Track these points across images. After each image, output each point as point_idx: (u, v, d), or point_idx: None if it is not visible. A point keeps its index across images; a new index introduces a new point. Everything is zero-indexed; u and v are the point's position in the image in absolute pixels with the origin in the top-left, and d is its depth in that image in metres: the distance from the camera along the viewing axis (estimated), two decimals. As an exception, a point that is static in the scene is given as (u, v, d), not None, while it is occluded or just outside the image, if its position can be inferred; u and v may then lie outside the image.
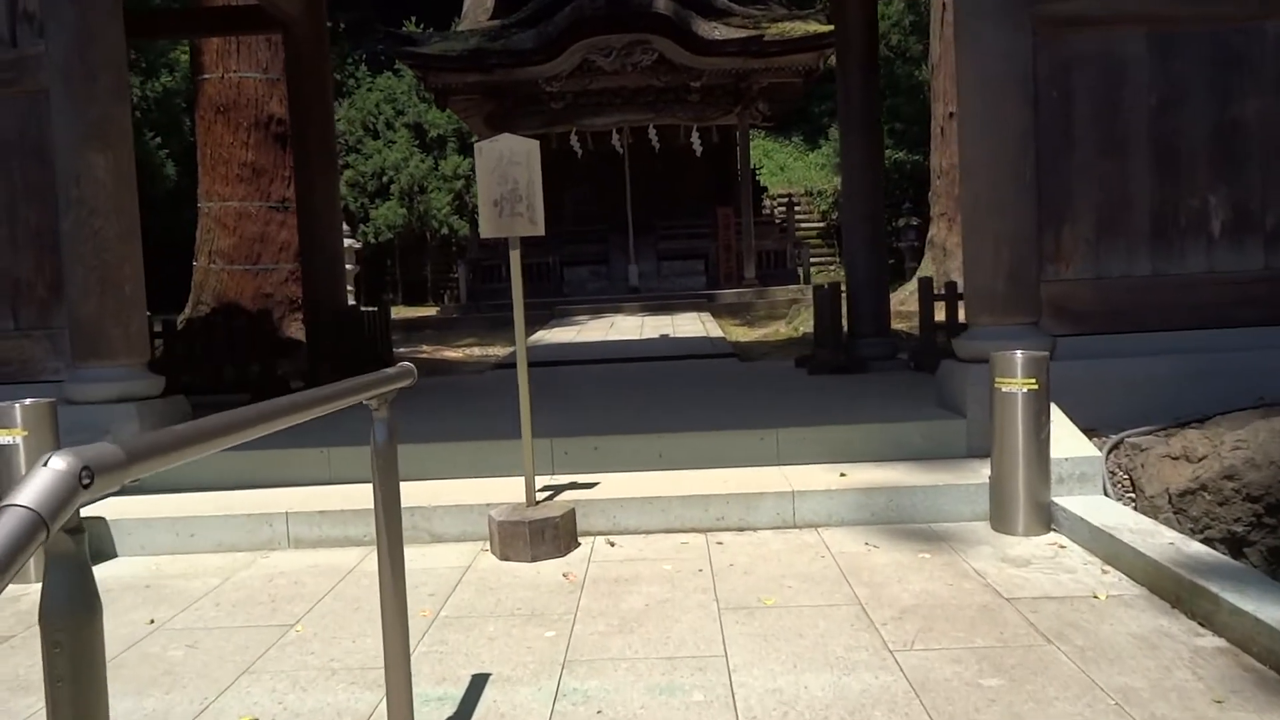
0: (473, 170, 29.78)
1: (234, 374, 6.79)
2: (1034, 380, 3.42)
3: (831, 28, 15.99)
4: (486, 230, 3.58)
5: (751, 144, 19.64)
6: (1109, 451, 3.87)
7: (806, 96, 21.57)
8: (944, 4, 13.88)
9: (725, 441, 4.16)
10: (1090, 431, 4.03)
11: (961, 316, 6.72)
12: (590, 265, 18.36)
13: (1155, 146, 4.22)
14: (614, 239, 18.36)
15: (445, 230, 28.87)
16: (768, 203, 26.65)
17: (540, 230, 3.62)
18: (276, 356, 10.49)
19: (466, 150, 29.78)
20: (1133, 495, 3.60)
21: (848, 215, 7.19)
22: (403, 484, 4.03)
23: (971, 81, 4.17)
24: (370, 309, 7.55)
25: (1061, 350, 4.18)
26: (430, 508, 3.74)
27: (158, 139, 26.92)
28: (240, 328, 6.80)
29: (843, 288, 7.45)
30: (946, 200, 13.98)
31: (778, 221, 19.63)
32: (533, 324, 14.80)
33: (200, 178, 10.78)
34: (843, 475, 3.89)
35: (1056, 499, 3.53)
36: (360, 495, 3.97)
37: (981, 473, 3.83)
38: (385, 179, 28.83)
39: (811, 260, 19.44)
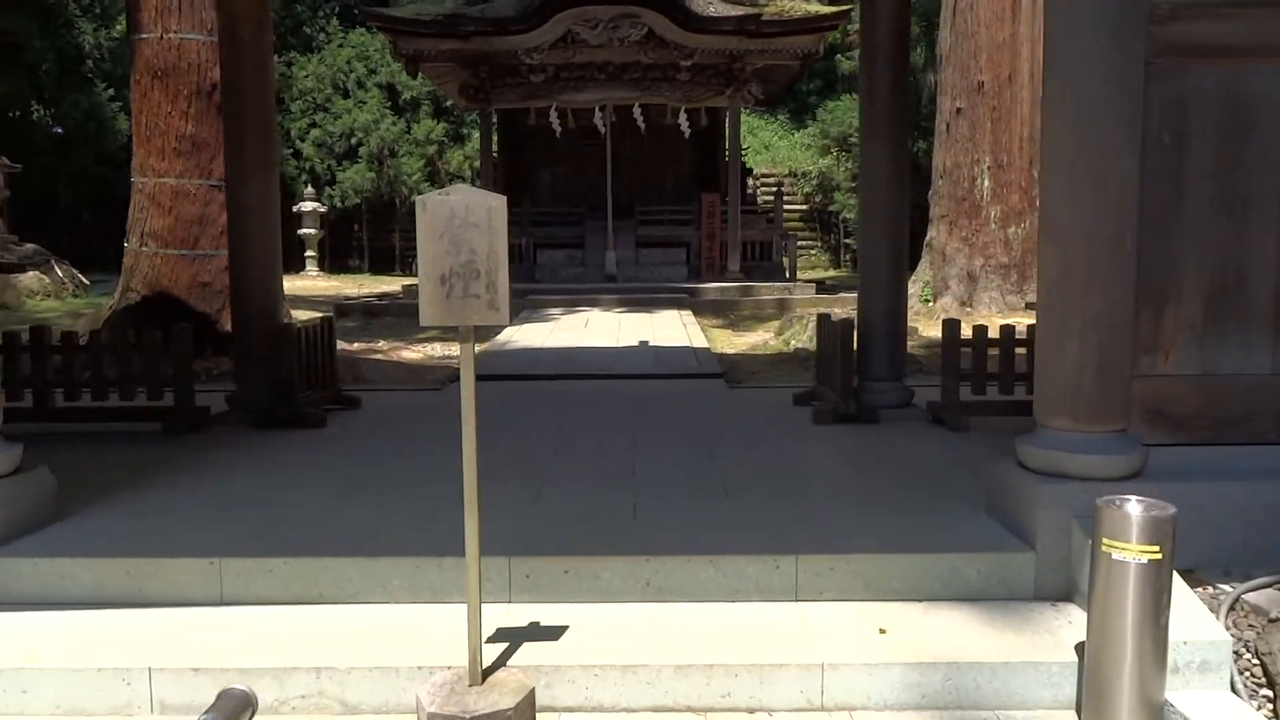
0: (447, 135, 28.73)
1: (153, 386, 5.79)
2: (1156, 548, 2.55)
3: (835, 9, 15.02)
4: (428, 317, 2.64)
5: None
6: (1226, 611, 3.02)
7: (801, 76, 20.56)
8: (957, -10, 12.94)
9: (731, 569, 3.26)
10: (1189, 574, 3.18)
11: (990, 361, 5.91)
12: (566, 249, 17.35)
13: (1287, 211, 3.34)
14: (592, 223, 17.35)
15: (415, 197, 27.63)
16: (751, 183, 25.70)
17: (504, 319, 2.69)
18: (218, 355, 9.49)
19: (441, 114, 28.48)
20: (1269, 693, 2.75)
21: (865, 236, 6.28)
22: (314, 619, 3.11)
23: (1064, 120, 3.26)
24: (313, 322, 6.56)
25: (1155, 464, 3.32)
26: (344, 669, 2.82)
27: (110, 90, 25.41)
28: (153, 345, 5.79)
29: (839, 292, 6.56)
30: (949, 202, 13.12)
31: (765, 212, 18.68)
32: (502, 314, 13.78)
33: (135, 149, 9.66)
34: (882, 632, 3.01)
35: (1170, 695, 2.68)
36: (260, 636, 3.04)
37: (1061, 635, 2.97)
38: (354, 140, 27.48)
39: (798, 250, 18.54)
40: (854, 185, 27.81)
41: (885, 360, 6.13)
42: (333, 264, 28.13)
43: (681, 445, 5.22)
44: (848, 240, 28.15)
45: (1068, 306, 3.30)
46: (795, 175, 29.32)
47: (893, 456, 4.93)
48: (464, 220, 2.47)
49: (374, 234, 29.27)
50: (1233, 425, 3.38)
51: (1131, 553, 2.56)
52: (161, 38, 9.21)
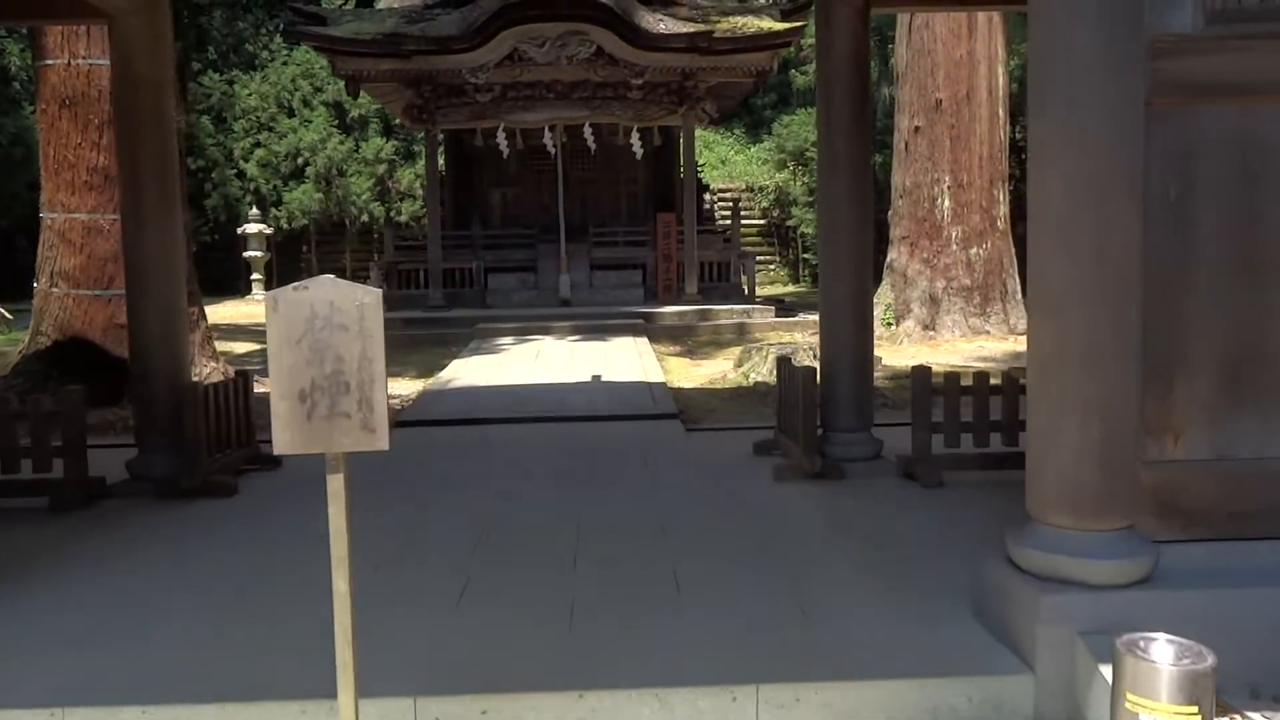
0: (398, 153, 28.07)
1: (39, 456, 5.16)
2: (1193, 710, 2.08)
3: (788, 25, 14.65)
4: (284, 443, 2.12)
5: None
6: (1259, 751, 2.57)
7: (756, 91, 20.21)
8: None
9: (680, 705, 2.75)
10: (1212, 695, 2.72)
11: (963, 410, 5.46)
12: (518, 273, 16.79)
13: (1313, 274, 2.91)
14: (544, 245, 16.82)
15: (366, 217, 26.93)
16: (708, 199, 25.34)
17: (382, 442, 2.18)
18: (121, 401, 8.82)
19: (391, 132, 27.79)
20: None
21: (828, 278, 5.83)
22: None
23: (1056, 171, 2.81)
24: (225, 379, 5.97)
25: (1169, 565, 2.87)
26: None
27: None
28: (39, 414, 5.17)
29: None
30: (909, 222, 12.78)
31: (721, 231, 18.28)
32: (451, 344, 13.24)
33: (43, 183, 8.96)
34: (862, 790, 2.51)
35: None
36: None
37: (1071, 787, 2.50)
38: (301, 160, 26.71)
39: (756, 265, 18.13)
40: (811, 200, 27.59)
41: (851, 410, 5.67)
42: (281, 287, 27.31)
43: (631, 519, 4.70)
44: (806, 255, 27.88)
45: (1064, 387, 2.84)
46: (752, 190, 29.03)
47: (864, 528, 4.45)
48: (327, 321, 1.96)
49: (323, 256, 28.47)
50: (1256, 517, 2.94)
51: (1163, 714, 2.09)
52: (69, 64, 8.54)
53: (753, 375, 9.50)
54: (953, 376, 5.37)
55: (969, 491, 5.05)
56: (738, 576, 3.78)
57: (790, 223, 27.95)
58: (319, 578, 3.82)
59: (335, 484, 2.25)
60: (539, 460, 6.21)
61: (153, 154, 5.49)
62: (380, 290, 2.02)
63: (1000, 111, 12.67)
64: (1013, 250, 12.92)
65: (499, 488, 5.42)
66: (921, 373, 5.34)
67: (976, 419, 5.34)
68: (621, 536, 4.38)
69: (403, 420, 7.93)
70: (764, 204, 28.92)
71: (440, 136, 16.96)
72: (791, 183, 28.17)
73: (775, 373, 9.48)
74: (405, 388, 10.29)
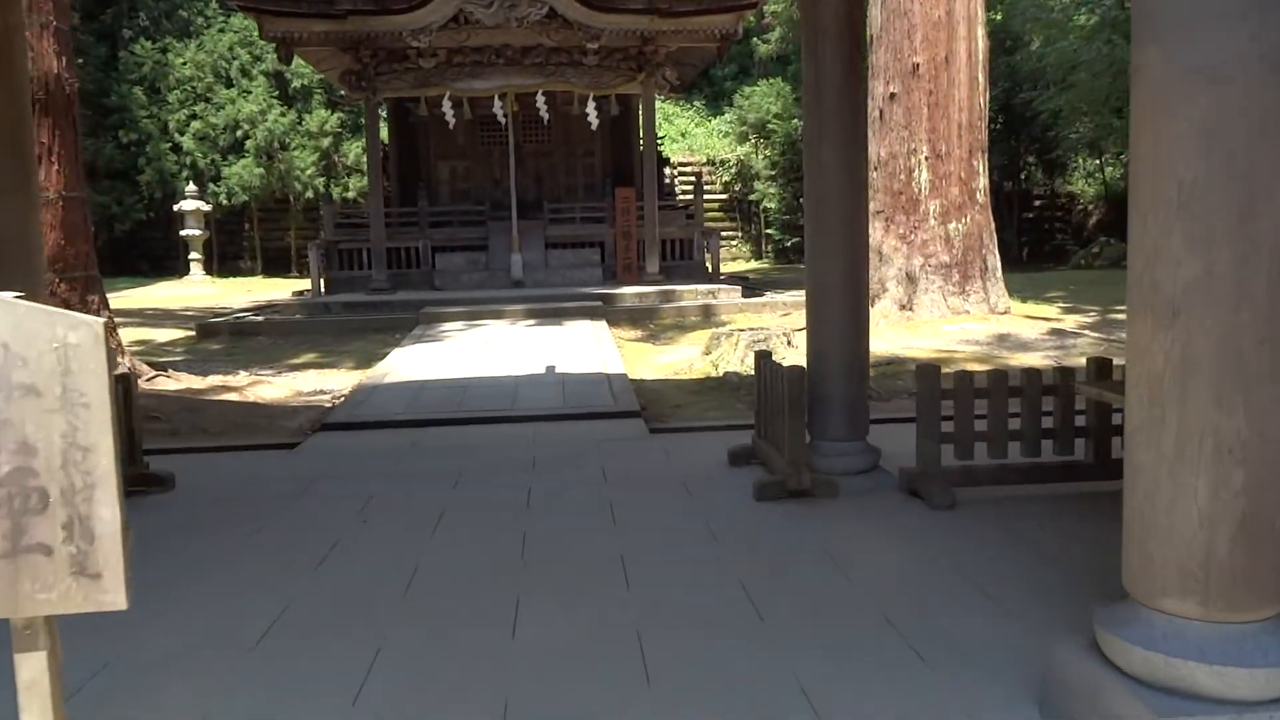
0: (343, 126, 26.73)
1: None
2: None
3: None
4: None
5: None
6: None
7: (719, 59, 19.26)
8: (887, -38, 11.78)
9: None
10: None
11: (975, 416, 4.64)
12: (467, 252, 15.78)
13: None
14: (495, 222, 15.82)
15: (310, 193, 25.62)
16: (669, 173, 24.42)
17: (115, 598, 1.32)
18: None
19: (336, 104, 26.45)
20: None
21: (815, 260, 4.98)
22: None
23: (1184, 125, 1.97)
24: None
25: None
26: None
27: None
28: None
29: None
30: (885, 196, 11.99)
31: (684, 206, 17.38)
32: (395, 330, 12.26)
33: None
34: None
35: None
36: None
37: None
38: (240, 133, 25.30)
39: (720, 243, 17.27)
40: (774, 174, 26.76)
41: (844, 415, 4.85)
42: (221, 266, 26.02)
43: (587, 562, 3.83)
44: (769, 231, 27.12)
45: (1187, 421, 2.02)
46: (713, 164, 28.15)
47: (872, 571, 3.62)
48: (4, 379, 1.06)
49: (266, 233, 27.18)
50: None
51: None
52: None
53: (722, 365, 8.67)
54: (964, 376, 4.56)
55: (988, 515, 4.25)
56: (723, 652, 2.93)
57: (753, 197, 27.15)
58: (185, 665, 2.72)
59: (32, 669, 1.34)
60: (481, 475, 5.32)
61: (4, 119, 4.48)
62: (103, 320, 1.20)
63: (980, 76, 11.89)
64: (993, 225, 12.20)
65: (428, 516, 4.53)
66: (928, 372, 4.51)
67: (993, 426, 4.54)
68: (574, 592, 3.51)
69: (328, 423, 6.99)
70: (725, 178, 28.06)
71: (382, 106, 15.85)
72: (754, 156, 27.34)
73: (746, 362, 8.69)
74: (339, 381, 9.33)
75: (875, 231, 12.29)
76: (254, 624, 3.19)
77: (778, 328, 9.85)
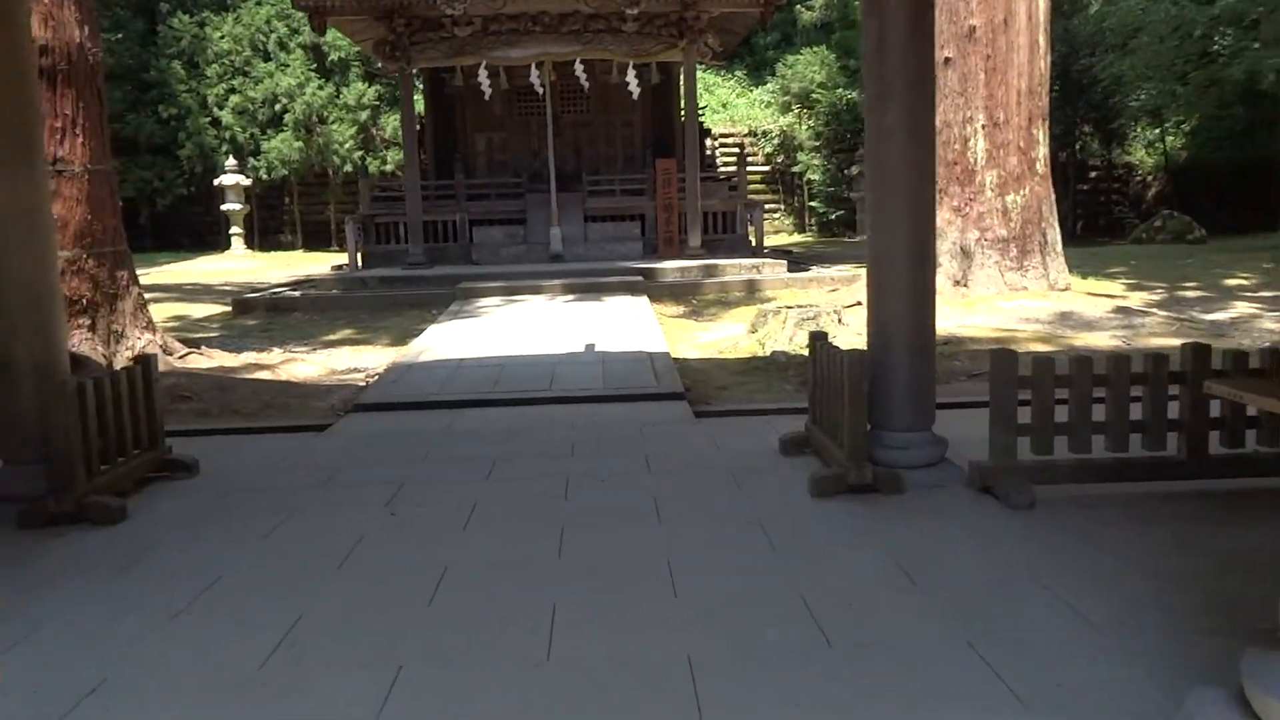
0: (381, 99, 26.46)
1: None
2: None
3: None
4: None
5: (697, 84, 16.68)
6: None
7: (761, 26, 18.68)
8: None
9: None
10: None
11: (1057, 407, 4.21)
12: (505, 225, 15.47)
13: None
14: (534, 195, 15.48)
15: (349, 167, 25.44)
16: (710, 144, 23.89)
17: None
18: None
19: (373, 77, 26.20)
20: None
21: (877, 234, 4.57)
22: None
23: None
24: (116, 368, 4.77)
25: None
26: None
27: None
28: None
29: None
30: (938, 166, 11.40)
31: (727, 179, 16.90)
32: (431, 305, 12.02)
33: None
34: None
35: None
36: None
37: None
38: (279, 107, 25.16)
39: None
40: (818, 144, 26.08)
41: (909, 402, 4.46)
42: (262, 241, 26.00)
43: (629, 563, 3.50)
44: (812, 203, 26.53)
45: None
46: (755, 135, 27.53)
47: (943, 580, 3.25)
48: None
49: (306, 207, 27.11)
50: None
51: None
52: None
53: (769, 343, 8.28)
54: (1044, 363, 4.15)
55: (1073, 518, 3.85)
56: (787, 686, 2.58)
57: (796, 169, 26.54)
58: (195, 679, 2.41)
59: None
60: (516, 462, 5.01)
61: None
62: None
63: (1041, 39, 11.27)
64: (1053, 196, 11.61)
65: (460, 507, 4.23)
66: (1004, 358, 4.10)
67: (1075, 417, 4.13)
68: (617, 602, 3.18)
69: (360, 404, 6.73)
70: (768, 149, 27.45)
71: (418, 77, 15.53)
72: (797, 126, 26.71)
73: (795, 340, 8.29)
74: (374, 358, 9.08)
75: (928, 203, 11.78)
76: (258, 641, 2.90)
77: (827, 304, 9.43)
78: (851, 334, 8.53)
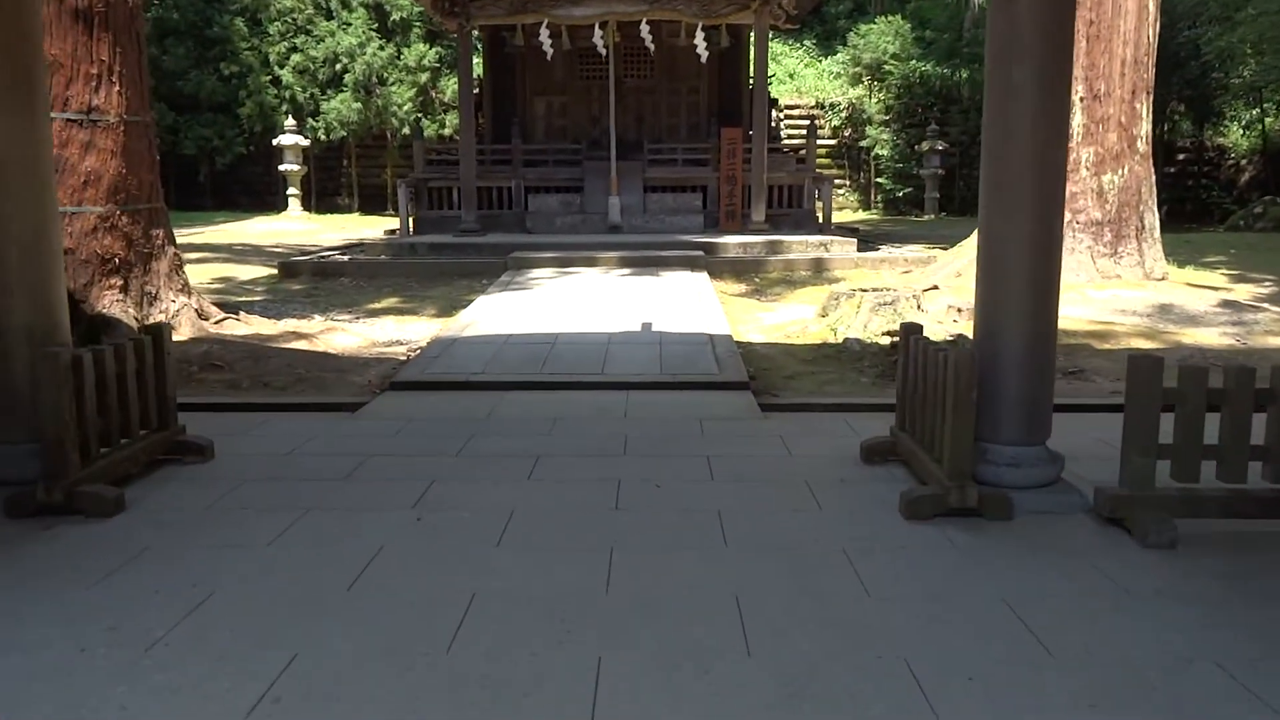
0: (441, 61, 25.96)
1: None
2: None
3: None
4: None
5: (767, 49, 15.83)
6: None
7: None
8: None
9: None
10: None
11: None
12: (561, 193, 14.89)
13: None
14: (592, 163, 14.86)
15: (407, 130, 25.03)
16: (775, 116, 23.04)
17: None
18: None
19: (434, 38, 25.73)
20: None
21: (991, 205, 3.89)
22: None
23: None
24: (132, 336, 4.29)
25: None
26: None
27: None
28: None
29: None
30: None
31: (793, 151, 16.10)
32: (482, 275, 11.52)
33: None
34: None
35: None
36: None
37: None
38: (339, 67, 24.82)
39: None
40: (887, 118, 25.01)
41: (1023, 413, 3.79)
42: (319, 203, 25.79)
43: (691, 601, 2.92)
44: (879, 179, 25.51)
45: None
46: (822, 106, 26.53)
47: (1076, 644, 2.61)
48: None
49: (363, 170, 26.83)
50: None
51: None
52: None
53: (841, 329, 7.61)
54: (1196, 374, 3.45)
55: (1229, 562, 3.18)
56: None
57: (864, 144, 25.53)
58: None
59: None
60: (562, 460, 4.45)
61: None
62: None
63: (1150, 3, 10.31)
64: (1153, 177, 10.68)
65: (495, 515, 3.68)
66: (1146, 367, 3.42)
67: (1229, 440, 3.44)
68: (677, 656, 2.60)
69: (397, 381, 6.23)
70: (835, 122, 26.45)
71: (476, 36, 14.95)
72: (866, 99, 25.68)
73: (870, 327, 7.60)
74: (418, 330, 8.60)
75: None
76: (239, 693, 2.38)
77: (905, 288, 8.70)
78: (932, 321, 7.82)
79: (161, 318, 7.55)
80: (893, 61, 24.77)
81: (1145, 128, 10.53)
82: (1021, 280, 3.78)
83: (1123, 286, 9.99)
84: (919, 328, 4.38)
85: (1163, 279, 10.49)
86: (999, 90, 3.74)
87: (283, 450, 4.66)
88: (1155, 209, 10.80)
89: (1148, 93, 10.60)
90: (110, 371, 4.02)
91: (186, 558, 3.29)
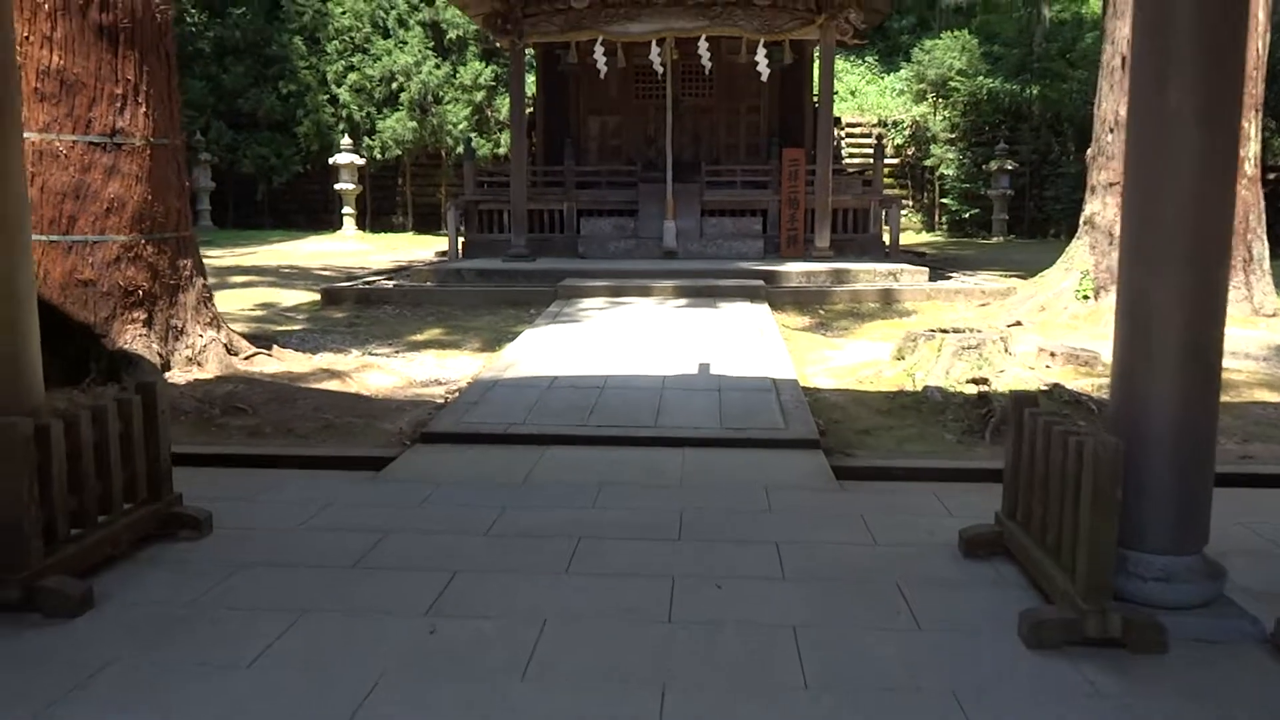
0: (497, 80, 25.68)
1: None
2: None
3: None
4: None
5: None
6: None
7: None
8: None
9: None
10: None
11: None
12: (615, 217, 14.31)
13: None
14: (647, 185, 14.27)
15: (461, 149, 24.78)
16: (837, 134, 22.28)
17: None
18: (113, 382, 6.81)
19: (490, 56, 25.45)
20: None
21: (1135, 255, 3.18)
22: None
23: None
24: (115, 397, 3.76)
25: None
26: None
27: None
28: None
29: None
30: (1122, 164, 9.70)
31: (857, 172, 15.35)
32: (529, 304, 10.98)
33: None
34: None
35: None
36: None
37: None
38: (395, 85, 24.65)
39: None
40: (953, 137, 24.09)
41: (1175, 515, 3.06)
42: (373, 222, 25.60)
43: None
44: (945, 200, 24.57)
45: None
46: (885, 125, 25.68)
47: None
48: None
49: (418, 189, 26.62)
50: None
51: None
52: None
53: (919, 375, 6.86)
54: None
55: None
56: None
57: (928, 162, 24.63)
58: None
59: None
60: (607, 544, 3.81)
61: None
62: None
63: (1260, 14, 9.43)
64: (1262, 203, 9.78)
65: (524, 626, 3.05)
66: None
67: None
68: None
69: (429, 432, 5.64)
70: (898, 141, 25.58)
71: (530, 54, 14.49)
72: (931, 117, 24.78)
73: (951, 374, 6.85)
74: (459, 367, 8.04)
75: (1105, 208, 10.14)
76: None
77: (987, 327, 7.93)
78: (1022, 367, 7.04)
79: (188, 353, 7.11)
80: (959, 78, 23.88)
81: (1254, 148, 9.64)
82: (1176, 353, 3.06)
83: (1230, 325, 9.05)
84: (1033, 399, 3.66)
85: (1274, 315, 9.56)
86: (1148, 116, 3.03)
87: (289, 523, 4.09)
88: (1264, 237, 9.89)
89: (1256, 110, 9.71)
90: (87, 439, 3.48)
91: (152, 682, 2.71)
